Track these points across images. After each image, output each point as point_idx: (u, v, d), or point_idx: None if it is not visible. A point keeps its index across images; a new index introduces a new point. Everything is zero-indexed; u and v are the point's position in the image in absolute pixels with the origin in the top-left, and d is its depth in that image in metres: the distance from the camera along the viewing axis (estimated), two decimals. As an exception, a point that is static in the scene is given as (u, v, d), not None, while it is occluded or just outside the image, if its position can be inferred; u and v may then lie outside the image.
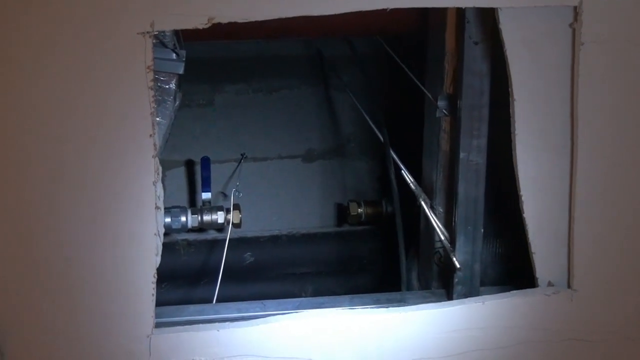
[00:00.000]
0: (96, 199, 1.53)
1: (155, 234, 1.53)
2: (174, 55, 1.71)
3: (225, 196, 2.42)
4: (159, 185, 1.54)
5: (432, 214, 1.90)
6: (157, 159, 1.52)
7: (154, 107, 1.48)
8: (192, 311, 1.75)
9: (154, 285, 1.57)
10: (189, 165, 2.43)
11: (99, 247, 1.54)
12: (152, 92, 1.48)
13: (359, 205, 2.38)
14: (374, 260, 2.42)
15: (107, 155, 1.51)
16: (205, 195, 2.23)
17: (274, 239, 2.41)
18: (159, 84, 1.71)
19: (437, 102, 1.86)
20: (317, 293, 2.32)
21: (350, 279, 2.41)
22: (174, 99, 1.73)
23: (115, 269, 1.55)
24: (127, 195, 1.53)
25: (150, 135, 1.50)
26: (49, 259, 1.54)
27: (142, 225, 1.53)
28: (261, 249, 2.38)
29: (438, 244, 1.95)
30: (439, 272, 1.99)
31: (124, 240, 1.55)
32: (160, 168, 1.54)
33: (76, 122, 1.49)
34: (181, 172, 2.43)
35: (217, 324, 1.61)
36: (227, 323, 1.62)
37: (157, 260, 1.56)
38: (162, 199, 1.55)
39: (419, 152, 2.04)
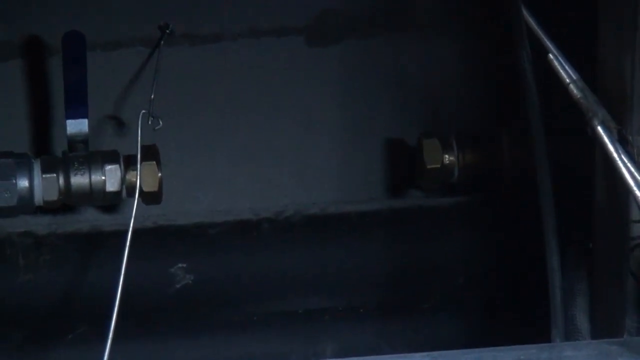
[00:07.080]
0: None
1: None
2: None
3: (124, 127, 2.02)
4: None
5: (622, 155, 1.57)
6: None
7: None
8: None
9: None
10: (34, 53, 2.05)
11: None
12: None
13: (446, 146, 1.96)
14: (477, 274, 2.03)
15: None
16: (75, 126, 1.88)
17: (243, 231, 2.00)
18: None
19: None
20: (345, 353, 1.94)
21: (425, 320, 2.04)
22: None
23: None
24: None
25: None
26: None
27: None
28: (212, 255, 1.99)
29: (639, 227, 1.72)
30: (640, 292, 1.81)
31: None
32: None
33: None
34: (16, 70, 2.01)
35: None
36: None
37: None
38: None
39: (589, 15, 1.74)
